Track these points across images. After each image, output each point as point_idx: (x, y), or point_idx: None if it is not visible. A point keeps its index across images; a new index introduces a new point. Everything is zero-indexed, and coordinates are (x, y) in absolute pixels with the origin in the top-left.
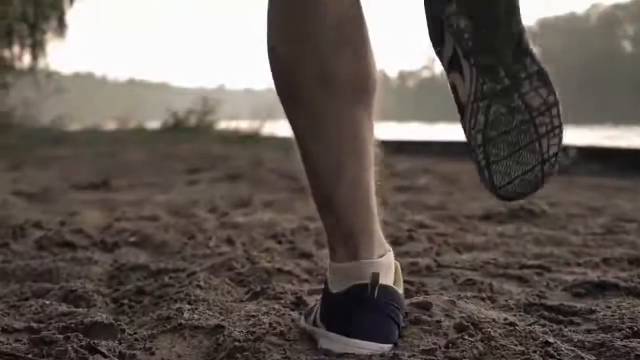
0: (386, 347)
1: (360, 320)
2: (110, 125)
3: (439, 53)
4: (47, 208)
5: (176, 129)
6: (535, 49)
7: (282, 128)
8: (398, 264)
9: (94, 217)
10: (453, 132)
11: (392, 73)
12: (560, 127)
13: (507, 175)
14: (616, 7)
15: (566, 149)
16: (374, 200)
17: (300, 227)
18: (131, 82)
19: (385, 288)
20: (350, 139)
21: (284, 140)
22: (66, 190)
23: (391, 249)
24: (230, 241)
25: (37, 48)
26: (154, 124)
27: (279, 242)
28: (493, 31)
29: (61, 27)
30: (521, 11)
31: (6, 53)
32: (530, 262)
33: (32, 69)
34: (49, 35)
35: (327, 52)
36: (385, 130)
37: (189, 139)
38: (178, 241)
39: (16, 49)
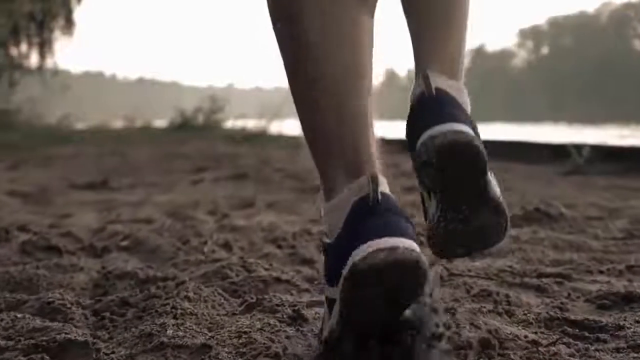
0: (407, 242)
1: (370, 223)
2: (117, 124)
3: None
4: (40, 209)
5: (183, 127)
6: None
7: (289, 127)
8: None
9: (87, 219)
10: None
11: (401, 71)
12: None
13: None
14: (627, 5)
15: (580, 147)
16: (373, 129)
17: (303, 230)
18: (141, 81)
19: (388, 196)
20: (353, 54)
21: (291, 139)
22: (64, 191)
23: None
24: (227, 246)
25: (45, 46)
26: (162, 123)
27: (279, 247)
28: (459, 191)
29: (69, 25)
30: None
31: (14, 51)
32: (548, 269)
33: (39, 68)
34: (57, 33)
35: None
36: (392, 128)
37: (195, 137)
38: (172, 246)
39: (24, 47)
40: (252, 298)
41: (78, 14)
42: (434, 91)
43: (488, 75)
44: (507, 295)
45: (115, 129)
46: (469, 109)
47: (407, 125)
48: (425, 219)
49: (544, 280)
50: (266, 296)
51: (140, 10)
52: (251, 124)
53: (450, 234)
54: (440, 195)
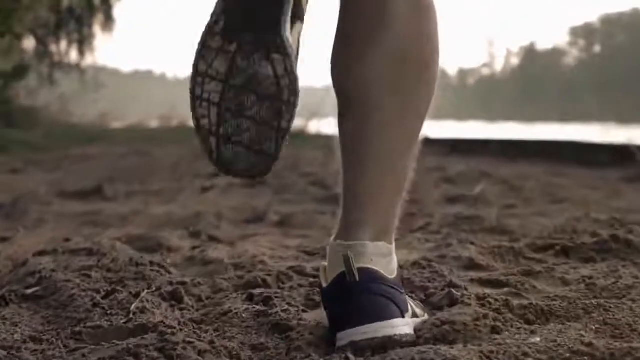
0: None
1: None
2: (154, 123)
3: None
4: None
5: None
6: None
7: (329, 126)
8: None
9: (33, 241)
10: (513, 131)
11: (452, 70)
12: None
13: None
14: None
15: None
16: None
17: (294, 269)
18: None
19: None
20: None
21: (328, 139)
22: (47, 199)
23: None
24: (173, 297)
25: (84, 43)
26: None
27: (249, 300)
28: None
29: (108, 22)
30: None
31: (54, 48)
32: None
33: (78, 65)
34: (96, 30)
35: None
36: (442, 129)
37: None
38: (89, 300)
39: (63, 44)
40: None
41: (119, 10)
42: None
43: (539, 74)
44: None
45: (150, 128)
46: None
47: None
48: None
49: None
50: None
51: (188, 7)
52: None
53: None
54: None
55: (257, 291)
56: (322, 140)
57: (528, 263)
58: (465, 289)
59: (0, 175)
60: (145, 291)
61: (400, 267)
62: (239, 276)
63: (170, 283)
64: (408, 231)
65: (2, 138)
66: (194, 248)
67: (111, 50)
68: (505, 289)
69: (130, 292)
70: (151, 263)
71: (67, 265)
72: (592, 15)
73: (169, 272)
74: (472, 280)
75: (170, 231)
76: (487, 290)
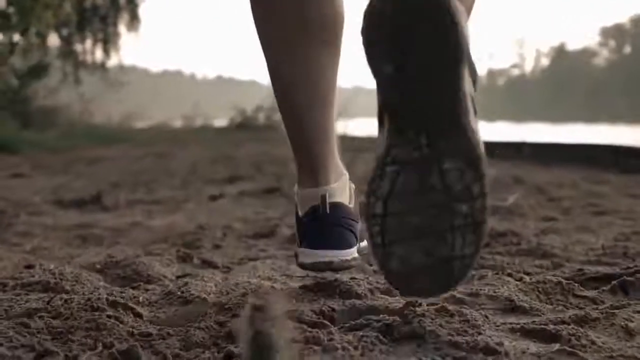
0: (344, 252)
1: (319, 233)
2: (177, 123)
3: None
4: None
5: (243, 127)
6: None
7: (356, 127)
8: (353, 185)
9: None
10: (544, 132)
11: (481, 71)
12: (481, 224)
13: (406, 261)
14: None
15: None
16: (333, 138)
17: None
18: (219, 79)
19: (335, 204)
20: (313, 83)
21: (355, 141)
22: (40, 209)
23: (346, 173)
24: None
25: (109, 42)
26: (224, 122)
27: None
28: (424, 85)
29: (134, 21)
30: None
31: (78, 47)
32: None
33: (103, 64)
34: (121, 29)
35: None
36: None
37: (253, 139)
38: None
39: (89, 43)
40: None
41: (147, 10)
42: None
43: (568, 75)
44: None
45: (173, 128)
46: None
47: None
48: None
49: None
50: None
51: (219, 7)
52: None
53: (398, 195)
54: (392, 112)
55: (238, 349)
56: (347, 141)
57: (580, 303)
58: (506, 354)
59: (1, 179)
60: (88, 353)
61: (423, 315)
62: (220, 323)
63: (131, 335)
64: None
65: (16, 139)
66: (178, 278)
67: (140, 49)
68: (556, 346)
69: (67, 356)
70: (114, 304)
71: (9, 308)
72: (622, 16)
73: (136, 316)
74: (512, 330)
75: (164, 249)
76: (532, 347)
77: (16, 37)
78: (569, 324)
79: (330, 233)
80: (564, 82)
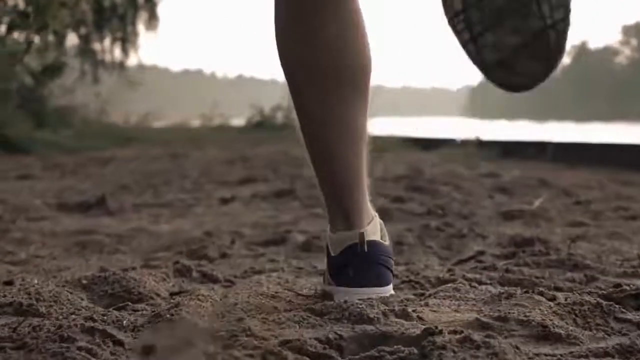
0: (383, 289)
1: (357, 271)
2: (195, 123)
3: None
4: None
5: (261, 126)
6: None
7: (379, 126)
8: (382, 222)
9: None
10: (570, 132)
11: None
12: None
13: (499, 46)
14: None
15: None
16: (364, 181)
17: (289, 345)
18: (240, 79)
19: (374, 243)
20: (346, 126)
21: (377, 140)
22: (41, 214)
23: (376, 214)
24: None
25: (127, 41)
26: (242, 121)
27: None
28: None
29: (152, 20)
30: None
31: (97, 46)
32: None
33: (122, 63)
34: (139, 28)
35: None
36: (493, 129)
37: (272, 138)
38: None
39: (107, 42)
40: None
41: (168, 9)
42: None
43: (590, 73)
44: None
45: (192, 128)
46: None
47: None
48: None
49: None
50: None
51: (241, 6)
52: None
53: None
54: None
55: None
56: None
57: (623, 329)
58: None
59: (8, 181)
60: None
61: (444, 347)
62: (208, 355)
63: None
64: (456, 263)
65: (29, 139)
66: (172, 295)
67: (161, 49)
68: None
69: None
70: (90, 331)
71: None
72: None
73: (116, 344)
74: None
75: (167, 258)
76: None
77: (33, 37)
78: (613, 356)
79: (369, 271)
80: (587, 80)
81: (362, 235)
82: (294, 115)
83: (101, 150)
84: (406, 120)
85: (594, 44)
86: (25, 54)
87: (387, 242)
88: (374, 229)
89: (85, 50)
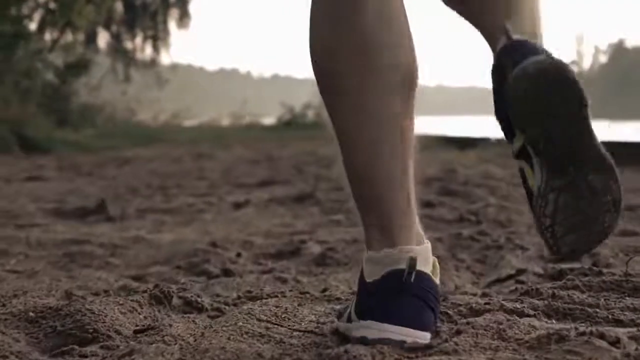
0: (421, 334)
1: (397, 305)
2: (225, 122)
3: (506, 136)
4: None
5: (291, 125)
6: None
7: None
8: (436, 259)
9: None
10: (606, 130)
11: None
12: (619, 201)
13: (571, 246)
14: None
15: None
16: (411, 194)
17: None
18: (275, 77)
19: (422, 274)
20: (391, 133)
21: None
22: (32, 220)
23: (429, 242)
24: None
25: (158, 39)
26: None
27: None
28: (565, 142)
29: (184, 18)
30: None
31: (129, 45)
32: None
33: (153, 61)
34: (171, 26)
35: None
36: None
37: (302, 137)
38: None
39: (138, 40)
40: None
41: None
42: (514, 37)
43: (628, 72)
44: None
45: (221, 127)
46: None
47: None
48: (531, 207)
49: None
50: None
51: (278, 5)
52: None
53: (561, 210)
54: (542, 150)
55: None
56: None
57: None
58: None
59: (14, 182)
60: None
61: None
62: None
63: None
64: (492, 282)
65: (49, 138)
66: (136, 333)
67: (197, 48)
68: None
69: None
70: None
71: None
72: None
73: None
74: None
75: (157, 276)
76: None
77: (59, 35)
78: None
79: (410, 306)
80: (623, 78)
81: (413, 260)
82: (324, 113)
83: (123, 150)
84: (440, 119)
85: (631, 42)
86: (50, 51)
87: (437, 280)
88: (425, 256)
89: (116, 49)
